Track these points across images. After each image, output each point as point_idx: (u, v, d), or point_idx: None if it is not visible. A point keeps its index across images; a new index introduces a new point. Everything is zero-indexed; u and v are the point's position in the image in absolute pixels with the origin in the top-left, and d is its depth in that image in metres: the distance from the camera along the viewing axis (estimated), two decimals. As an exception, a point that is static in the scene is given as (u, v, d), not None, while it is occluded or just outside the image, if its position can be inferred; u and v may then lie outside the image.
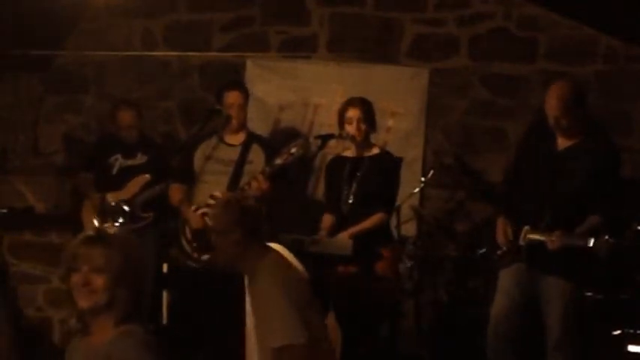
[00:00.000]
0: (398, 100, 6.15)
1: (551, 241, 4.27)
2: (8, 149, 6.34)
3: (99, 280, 2.51)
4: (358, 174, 4.84)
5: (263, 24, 6.34)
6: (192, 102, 6.39)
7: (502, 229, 4.49)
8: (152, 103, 6.23)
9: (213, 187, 5.13)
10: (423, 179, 5.72)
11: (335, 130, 5.12)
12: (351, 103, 4.96)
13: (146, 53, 6.36)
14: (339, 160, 5.05)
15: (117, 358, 2.49)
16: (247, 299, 3.69)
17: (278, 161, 4.90)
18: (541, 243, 4.32)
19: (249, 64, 6.31)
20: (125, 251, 2.55)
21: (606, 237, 4.18)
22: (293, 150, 4.89)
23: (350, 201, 4.81)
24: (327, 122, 6.09)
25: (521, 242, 4.40)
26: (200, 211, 5.12)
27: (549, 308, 4.39)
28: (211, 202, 5.09)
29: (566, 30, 6.11)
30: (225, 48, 6.35)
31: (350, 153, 5.01)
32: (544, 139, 4.53)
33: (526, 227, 4.40)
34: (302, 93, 6.28)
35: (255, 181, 4.96)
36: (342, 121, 4.93)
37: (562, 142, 4.48)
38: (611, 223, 4.60)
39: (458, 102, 6.21)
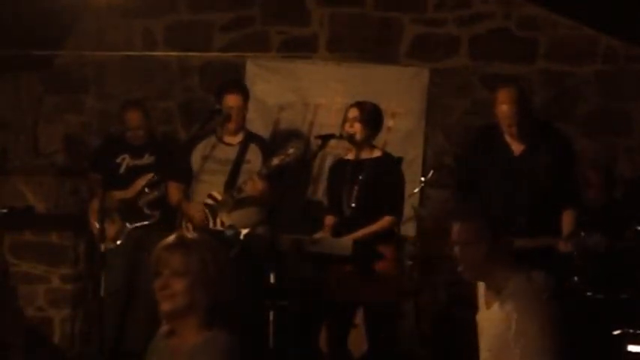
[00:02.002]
0: (398, 100, 6.14)
1: (565, 245, 4.30)
2: (8, 149, 6.34)
3: (178, 284, 2.57)
4: (360, 177, 4.81)
5: (263, 24, 6.35)
6: (192, 102, 6.39)
7: None
8: (152, 103, 6.22)
9: (210, 187, 5.12)
10: (423, 179, 5.72)
11: (335, 130, 5.10)
12: (353, 104, 4.93)
13: (146, 53, 6.36)
14: (341, 162, 5.02)
15: None
16: (485, 315, 3.31)
17: (275, 162, 4.89)
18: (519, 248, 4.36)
19: (249, 64, 6.31)
20: (204, 256, 2.61)
21: (600, 236, 4.21)
22: (290, 151, 4.87)
23: (353, 204, 4.78)
24: (327, 122, 6.10)
25: None
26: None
27: None
28: (209, 201, 5.09)
29: (566, 30, 6.11)
30: (225, 48, 6.36)
31: (351, 156, 4.97)
32: (496, 147, 4.54)
33: None
34: (302, 93, 6.29)
35: (251, 182, 4.96)
36: (344, 120, 4.93)
37: (516, 147, 4.51)
38: (612, 223, 4.62)
39: (458, 102, 6.21)
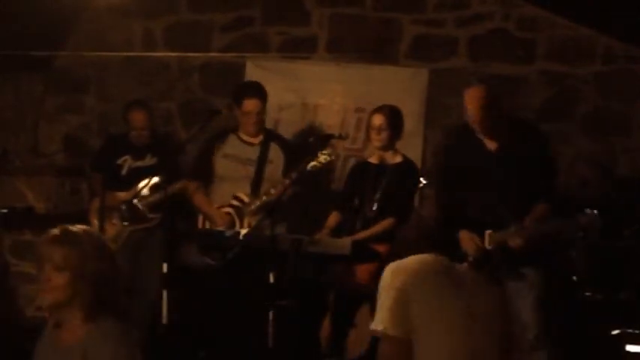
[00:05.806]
0: (397, 101, 6.11)
1: (520, 233, 4.29)
2: (9, 149, 6.35)
3: (59, 279, 2.60)
4: (383, 181, 4.87)
5: (263, 24, 6.35)
6: (192, 102, 6.39)
7: (469, 239, 4.50)
8: (152, 104, 6.22)
9: (232, 186, 5.16)
10: (422, 180, 5.72)
11: (335, 131, 5.12)
12: (377, 110, 4.98)
13: (146, 54, 6.36)
14: (365, 165, 5.06)
15: (93, 355, 2.57)
16: None
17: (307, 168, 4.92)
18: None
19: (249, 64, 6.32)
20: (85, 251, 2.63)
21: (593, 211, 4.18)
22: (321, 158, 4.91)
23: (374, 208, 4.84)
24: (326, 122, 6.10)
25: (489, 247, 4.42)
26: (224, 210, 5.14)
27: (522, 303, 4.40)
28: (234, 202, 5.11)
29: (566, 30, 6.11)
30: (225, 48, 6.36)
31: (374, 159, 5.02)
32: (471, 146, 4.56)
33: (488, 231, 4.42)
34: (302, 93, 6.29)
35: (281, 186, 5.00)
36: (367, 128, 4.96)
37: (490, 144, 4.54)
38: (611, 223, 4.61)
39: (457, 102, 6.19)
